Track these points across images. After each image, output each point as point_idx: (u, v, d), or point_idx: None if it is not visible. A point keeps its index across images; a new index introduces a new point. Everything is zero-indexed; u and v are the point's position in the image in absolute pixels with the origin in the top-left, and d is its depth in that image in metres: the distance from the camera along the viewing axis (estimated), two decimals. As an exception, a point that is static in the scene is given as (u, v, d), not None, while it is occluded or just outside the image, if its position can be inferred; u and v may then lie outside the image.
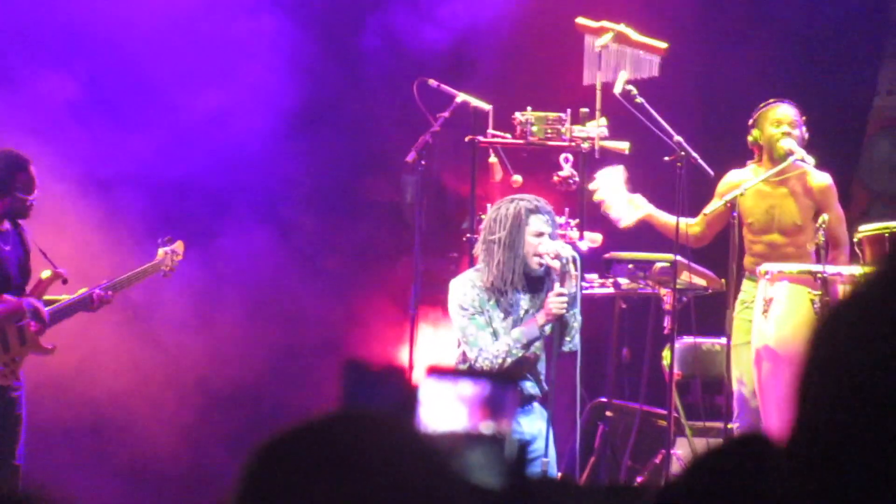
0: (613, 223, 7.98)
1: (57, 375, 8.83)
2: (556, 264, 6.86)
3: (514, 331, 6.91)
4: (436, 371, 1.88)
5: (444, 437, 1.79)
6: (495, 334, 6.92)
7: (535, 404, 6.99)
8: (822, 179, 8.02)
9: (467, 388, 1.83)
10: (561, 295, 6.83)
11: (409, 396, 1.88)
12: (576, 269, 6.92)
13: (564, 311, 6.84)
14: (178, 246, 8.39)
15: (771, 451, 1.96)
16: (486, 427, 1.82)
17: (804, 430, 1.40)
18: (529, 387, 6.96)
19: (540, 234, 6.91)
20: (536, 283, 7.01)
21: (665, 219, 8.00)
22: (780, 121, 8.00)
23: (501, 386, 1.84)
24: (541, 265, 6.93)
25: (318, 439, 1.63)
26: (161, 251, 8.31)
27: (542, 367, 7.01)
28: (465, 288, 6.95)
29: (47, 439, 8.88)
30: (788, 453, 1.42)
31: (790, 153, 7.90)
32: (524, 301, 6.99)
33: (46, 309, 7.78)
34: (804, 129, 8.06)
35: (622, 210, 7.97)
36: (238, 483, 1.63)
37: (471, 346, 6.91)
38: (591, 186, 7.84)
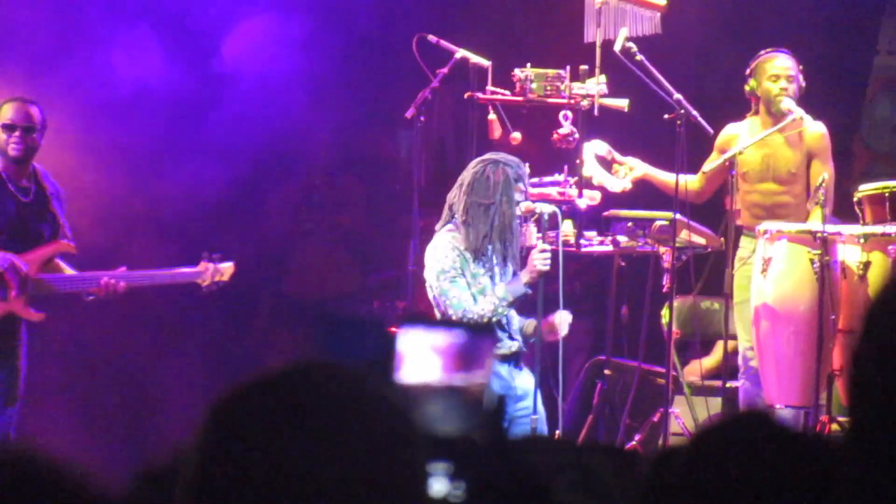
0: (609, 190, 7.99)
1: None
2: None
3: (497, 288, 6.89)
4: (411, 317, 1.87)
5: (417, 389, 1.78)
6: (482, 291, 6.90)
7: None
8: (816, 129, 7.98)
9: (443, 338, 1.81)
10: (544, 251, 6.82)
11: (388, 349, 1.87)
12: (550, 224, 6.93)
13: (548, 267, 6.83)
14: (227, 267, 7.52)
15: (772, 430, 1.96)
16: (461, 379, 1.81)
17: (862, 405, 1.38)
18: (523, 344, 6.96)
19: (518, 203, 6.92)
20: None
21: (663, 177, 7.99)
22: (777, 75, 7.95)
23: (478, 336, 1.82)
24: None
25: (276, 390, 1.61)
26: (203, 264, 7.46)
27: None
28: (444, 251, 6.92)
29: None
30: (849, 428, 1.41)
31: (788, 112, 7.87)
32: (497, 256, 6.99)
33: (41, 276, 7.04)
34: (801, 78, 8.00)
35: (608, 180, 7.97)
36: (198, 434, 1.61)
37: (455, 309, 6.88)
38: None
